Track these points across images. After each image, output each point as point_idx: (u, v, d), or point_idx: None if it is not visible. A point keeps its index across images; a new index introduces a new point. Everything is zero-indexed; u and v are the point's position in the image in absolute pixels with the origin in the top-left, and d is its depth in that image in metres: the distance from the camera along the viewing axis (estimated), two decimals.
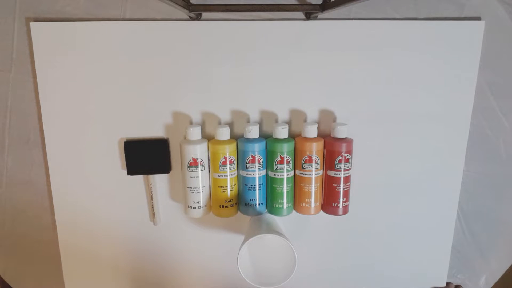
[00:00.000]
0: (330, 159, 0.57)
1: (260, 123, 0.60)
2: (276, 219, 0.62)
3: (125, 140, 0.60)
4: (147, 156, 0.60)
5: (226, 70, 0.59)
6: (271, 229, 0.55)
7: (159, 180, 0.63)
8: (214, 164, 0.57)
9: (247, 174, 0.57)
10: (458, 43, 0.59)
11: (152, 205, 0.62)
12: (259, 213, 0.59)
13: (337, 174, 0.57)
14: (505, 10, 0.59)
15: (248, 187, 0.58)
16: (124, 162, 0.60)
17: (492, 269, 0.70)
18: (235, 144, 0.58)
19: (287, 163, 0.57)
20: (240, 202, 0.60)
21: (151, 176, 0.61)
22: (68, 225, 0.64)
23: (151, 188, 0.62)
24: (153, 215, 0.63)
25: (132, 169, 0.61)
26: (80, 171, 0.62)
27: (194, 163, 0.57)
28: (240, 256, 0.52)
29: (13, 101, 0.61)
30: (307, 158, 0.56)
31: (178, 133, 0.61)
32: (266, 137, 0.59)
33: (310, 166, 0.57)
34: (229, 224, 0.65)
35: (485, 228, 0.67)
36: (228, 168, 0.57)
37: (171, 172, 0.62)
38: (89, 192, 0.63)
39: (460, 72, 0.60)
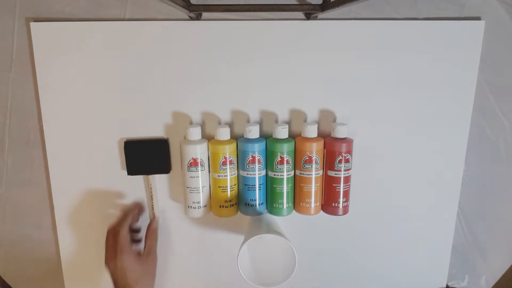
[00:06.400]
0: (330, 159, 0.57)
1: (260, 123, 0.60)
2: (276, 219, 0.62)
3: (125, 140, 0.60)
4: (147, 156, 0.60)
5: (226, 70, 0.59)
6: (271, 229, 0.55)
7: (159, 180, 0.63)
8: (214, 164, 0.57)
9: (247, 174, 0.57)
10: (458, 43, 0.59)
11: (152, 205, 0.62)
12: (259, 213, 0.59)
13: (337, 174, 0.57)
14: (505, 10, 0.59)
15: (248, 187, 0.58)
16: (124, 162, 0.60)
17: (492, 269, 0.70)
18: (235, 144, 0.58)
19: (287, 163, 0.57)
20: (240, 202, 0.60)
21: (151, 176, 0.61)
22: (68, 225, 0.64)
23: (151, 188, 0.62)
24: (153, 215, 0.63)
25: (132, 169, 0.61)
26: (80, 171, 0.62)
27: (194, 163, 0.57)
28: (240, 256, 0.52)
29: (13, 101, 0.61)
30: (307, 158, 0.56)
31: (178, 133, 0.61)
32: (266, 137, 0.59)
33: (310, 166, 0.57)
34: (229, 224, 0.65)
35: (485, 228, 0.67)
36: (228, 168, 0.57)
37: (171, 172, 0.62)
38: (89, 192, 0.63)
39: (460, 72, 0.60)
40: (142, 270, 0.55)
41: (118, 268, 0.53)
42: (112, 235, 0.56)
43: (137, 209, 0.62)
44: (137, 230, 0.62)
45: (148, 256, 0.58)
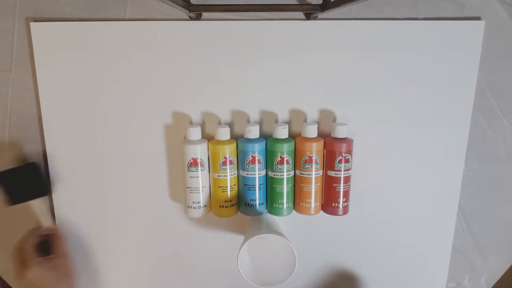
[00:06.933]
0: (330, 159, 0.57)
1: (260, 123, 0.60)
2: (276, 219, 0.62)
3: None
4: (21, 183, 0.58)
5: (226, 70, 0.59)
6: (271, 229, 0.55)
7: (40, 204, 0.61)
8: (214, 164, 0.57)
9: (247, 174, 0.57)
10: (458, 43, 0.59)
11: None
12: (259, 213, 0.59)
13: (337, 174, 0.57)
14: (505, 10, 0.59)
15: (248, 187, 0.58)
16: None
17: (492, 269, 0.69)
18: (235, 144, 0.58)
19: (287, 163, 0.57)
20: (240, 202, 0.60)
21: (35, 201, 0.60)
22: (68, 225, 0.64)
23: (40, 212, 0.60)
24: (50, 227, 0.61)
25: (12, 198, 0.58)
26: (80, 171, 0.62)
27: (194, 163, 0.57)
28: (240, 256, 0.52)
29: (13, 101, 0.61)
30: (307, 158, 0.56)
31: (178, 133, 0.61)
32: (266, 137, 0.59)
33: (310, 166, 0.57)
34: (229, 224, 0.65)
35: (485, 228, 0.67)
36: (228, 168, 0.57)
37: (170, 172, 0.62)
38: (89, 192, 0.63)
39: (460, 72, 0.60)
40: (56, 275, 0.56)
41: (29, 281, 0.54)
42: (17, 252, 0.56)
43: (40, 226, 0.61)
44: (45, 244, 0.60)
45: (59, 260, 0.58)
